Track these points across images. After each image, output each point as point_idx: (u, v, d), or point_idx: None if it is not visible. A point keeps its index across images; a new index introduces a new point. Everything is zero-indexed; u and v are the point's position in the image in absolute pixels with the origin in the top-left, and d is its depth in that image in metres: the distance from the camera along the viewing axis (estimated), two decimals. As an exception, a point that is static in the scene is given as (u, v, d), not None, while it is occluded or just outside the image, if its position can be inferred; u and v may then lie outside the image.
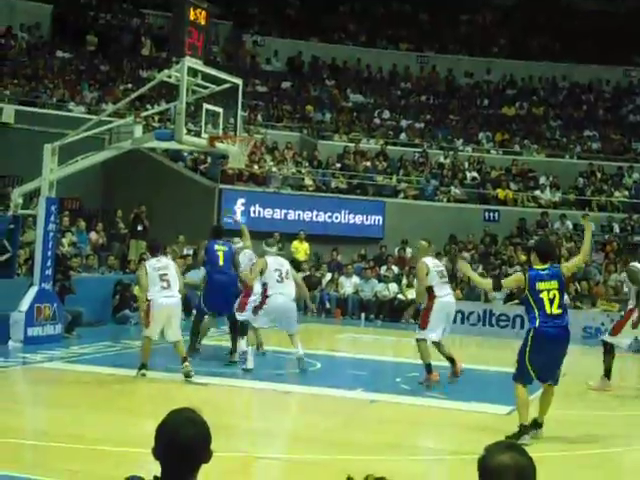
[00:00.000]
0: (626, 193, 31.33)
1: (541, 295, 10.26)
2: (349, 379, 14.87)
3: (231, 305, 15.28)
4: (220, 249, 15.45)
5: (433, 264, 14.45)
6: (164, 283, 13.61)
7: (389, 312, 25.63)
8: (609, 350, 15.19)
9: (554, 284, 10.32)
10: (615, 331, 15.23)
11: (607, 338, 15.28)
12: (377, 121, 35.73)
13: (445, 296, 14.34)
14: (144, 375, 13.48)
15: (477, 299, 25.05)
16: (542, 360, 10.30)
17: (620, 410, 13.43)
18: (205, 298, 15.44)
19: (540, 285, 10.29)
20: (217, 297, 15.31)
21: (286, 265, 15.01)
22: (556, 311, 10.24)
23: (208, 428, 3.69)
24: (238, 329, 15.36)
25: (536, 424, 10.57)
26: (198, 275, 23.58)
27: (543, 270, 10.40)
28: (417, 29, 41.01)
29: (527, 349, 10.35)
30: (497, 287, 11.55)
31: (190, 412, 3.70)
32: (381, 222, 29.66)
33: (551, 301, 10.24)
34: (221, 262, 15.40)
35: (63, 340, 17.06)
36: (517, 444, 3.45)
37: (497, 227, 29.83)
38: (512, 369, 15.88)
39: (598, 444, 10.45)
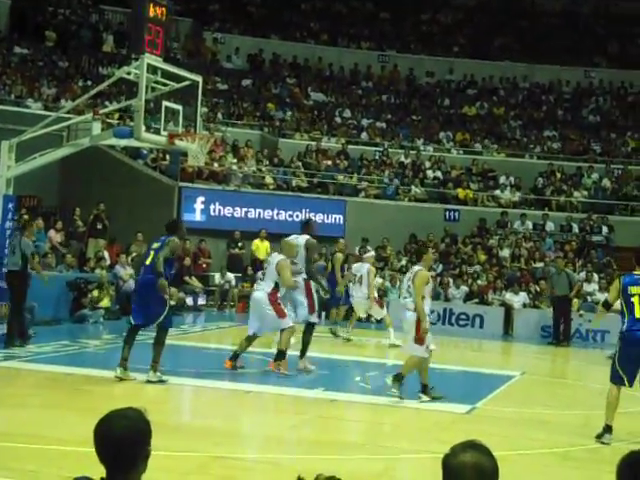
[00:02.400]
0: (585, 193, 31.62)
1: (632, 299, 10.24)
2: (310, 378, 14.81)
3: None
4: None
5: None
6: None
7: (350, 311, 25.50)
8: (309, 329, 15.15)
9: None
10: (312, 310, 15.21)
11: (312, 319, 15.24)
12: (338, 120, 35.75)
13: None
14: None
15: (437, 298, 25.11)
16: (632, 364, 10.30)
17: (580, 408, 13.51)
18: None
19: (632, 289, 10.27)
20: None
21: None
22: None
23: (144, 424, 3.64)
24: None
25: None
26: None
27: (638, 274, 10.39)
28: (378, 28, 41.08)
29: (617, 352, 10.43)
30: (607, 306, 11.24)
31: (128, 410, 3.68)
32: (342, 221, 29.62)
33: None
34: None
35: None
36: (482, 444, 3.41)
37: (457, 226, 29.98)
38: (473, 368, 16.04)
39: (561, 442, 10.49)
